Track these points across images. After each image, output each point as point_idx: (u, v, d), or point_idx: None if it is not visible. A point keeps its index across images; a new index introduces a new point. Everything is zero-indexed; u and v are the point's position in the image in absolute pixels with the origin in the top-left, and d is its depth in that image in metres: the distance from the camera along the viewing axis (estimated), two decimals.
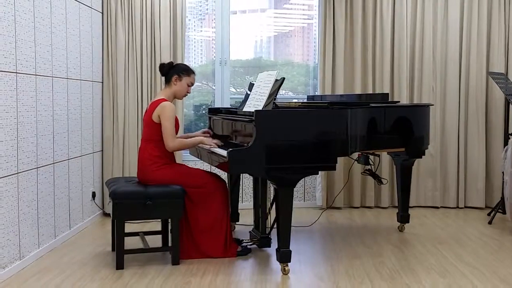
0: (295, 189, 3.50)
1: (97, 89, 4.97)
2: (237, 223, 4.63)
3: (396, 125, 4.06)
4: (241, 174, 4.89)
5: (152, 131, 3.75)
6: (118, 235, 3.54)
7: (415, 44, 5.43)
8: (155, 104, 3.74)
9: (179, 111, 5.10)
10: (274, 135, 3.34)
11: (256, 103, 3.79)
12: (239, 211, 4.66)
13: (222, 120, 4.27)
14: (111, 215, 3.63)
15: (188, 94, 3.98)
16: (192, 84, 3.94)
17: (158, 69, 4.04)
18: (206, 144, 3.78)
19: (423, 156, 4.39)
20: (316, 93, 5.56)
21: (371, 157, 4.64)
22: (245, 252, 3.85)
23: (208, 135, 4.24)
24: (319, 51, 5.41)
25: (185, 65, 4.03)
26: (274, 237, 3.76)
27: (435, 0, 5.42)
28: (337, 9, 5.33)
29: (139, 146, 4.04)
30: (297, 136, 3.38)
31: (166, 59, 4.87)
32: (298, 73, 5.88)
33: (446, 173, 5.50)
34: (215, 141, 3.80)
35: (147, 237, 4.00)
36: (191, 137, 4.13)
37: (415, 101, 5.43)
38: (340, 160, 5.15)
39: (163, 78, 3.96)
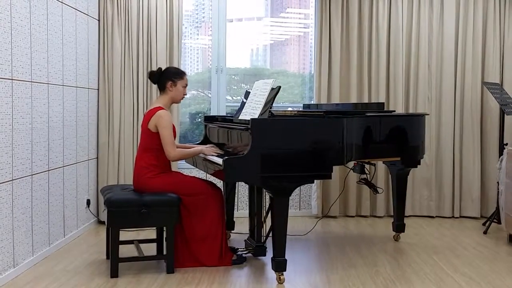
0: (290, 197, 3.50)
1: (92, 96, 4.96)
2: (232, 231, 4.61)
3: (392, 134, 4.08)
4: (237, 182, 4.88)
5: (149, 140, 3.72)
6: (113, 243, 3.53)
7: (411, 53, 5.45)
8: (151, 113, 3.71)
9: (174, 119, 5.09)
10: (270, 144, 3.35)
11: (252, 111, 3.79)
12: (234, 219, 4.65)
13: (218, 128, 4.27)
14: (106, 223, 3.61)
15: (185, 96, 3.93)
16: (186, 85, 3.89)
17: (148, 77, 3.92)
18: (207, 154, 3.77)
19: (418, 166, 4.40)
20: (312, 101, 5.57)
21: (367, 166, 4.64)
22: (240, 261, 3.84)
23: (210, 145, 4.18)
24: (315, 60, 5.42)
25: (175, 68, 3.99)
26: (269, 245, 3.76)
27: (430, 9, 5.45)
28: (333, 18, 5.35)
29: (135, 153, 4.02)
30: (293, 145, 3.39)
31: (163, 67, 4.85)
32: (295, 83, 5.89)
33: (442, 182, 5.51)
34: (215, 149, 3.79)
35: (142, 245, 3.98)
36: (191, 147, 4.09)
37: (411, 111, 5.45)
38: (336, 169, 5.15)
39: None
